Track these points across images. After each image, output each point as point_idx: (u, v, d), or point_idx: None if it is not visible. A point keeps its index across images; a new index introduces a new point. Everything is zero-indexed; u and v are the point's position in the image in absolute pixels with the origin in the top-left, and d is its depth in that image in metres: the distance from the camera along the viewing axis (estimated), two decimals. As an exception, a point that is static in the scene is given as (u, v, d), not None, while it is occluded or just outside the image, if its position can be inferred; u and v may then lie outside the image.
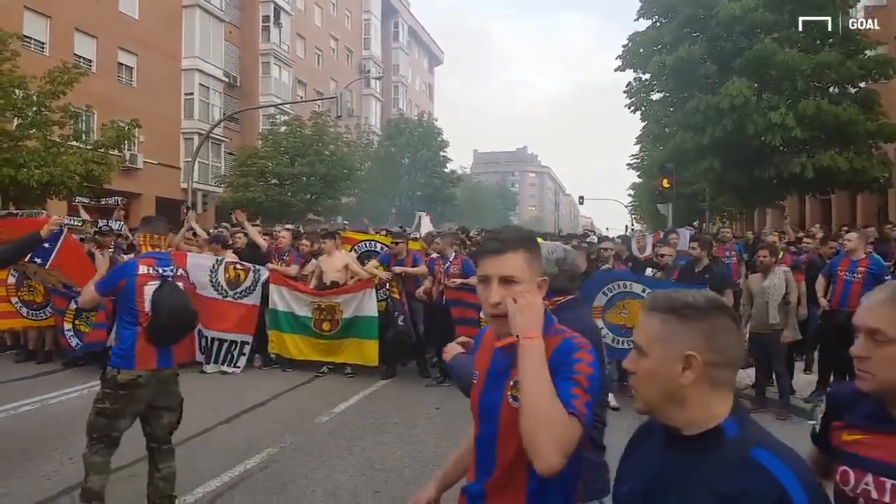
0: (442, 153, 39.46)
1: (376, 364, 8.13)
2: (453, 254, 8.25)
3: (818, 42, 16.48)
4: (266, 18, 36.26)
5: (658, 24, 18.70)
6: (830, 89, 17.07)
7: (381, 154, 39.04)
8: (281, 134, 27.72)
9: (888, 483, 1.46)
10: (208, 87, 31.57)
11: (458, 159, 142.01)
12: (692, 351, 1.26)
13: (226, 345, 8.16)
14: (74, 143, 16.45)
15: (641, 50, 18.59)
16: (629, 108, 19.08)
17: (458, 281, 7.72)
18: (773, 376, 7.01)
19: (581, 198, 60.54)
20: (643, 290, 7.14)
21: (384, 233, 10.54)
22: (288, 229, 9.59)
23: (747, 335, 7.25)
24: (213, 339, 8.22)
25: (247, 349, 8.25)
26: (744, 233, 19.27)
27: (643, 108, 19.18)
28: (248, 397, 7.01)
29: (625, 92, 19.23)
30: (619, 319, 7.25)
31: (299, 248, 8.76)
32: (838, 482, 1.57)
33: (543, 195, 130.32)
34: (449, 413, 6.56)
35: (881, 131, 16.84)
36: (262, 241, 8.83)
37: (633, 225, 50.09)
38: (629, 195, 47.71)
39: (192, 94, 30.70)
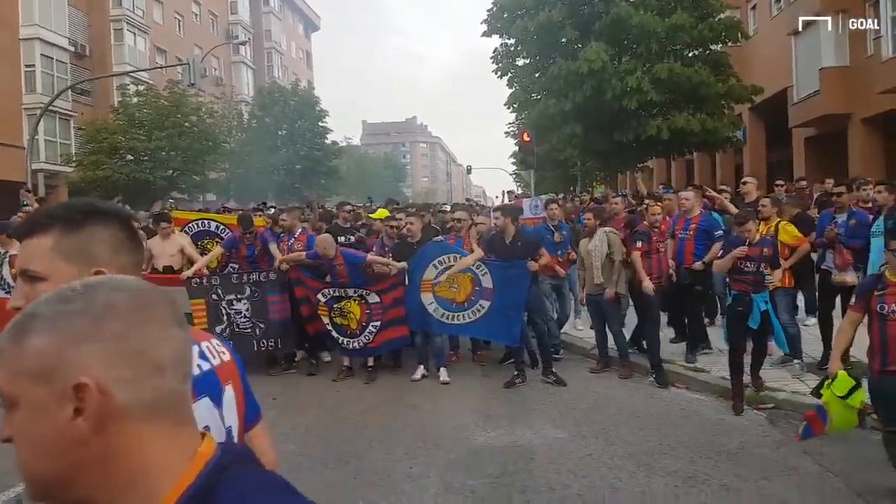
0: (321, 123, 38.15)
1: None
2: (300, 230, 7.75)
3: (672, 5, 16.95)
4: (116, -20, 33.29)
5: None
6: (684, 53, 17.70)
7: (254, 125, 37.17)
8: (134, 105, 25.57)
9: None
10: (52, 58, 28.64)
11: (347, 131, 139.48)
12: (85, 377, 0.72)
13: None
14: None
15: (505, 14, 18.48)
16: (496, 73, 19.01)
17: (285, 257, 7.31)
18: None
19: (469, 167, 61.04)
20: (474, 264, 6.95)
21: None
22: None
23: (583, 298, 7.29)
24: None
25: None
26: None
27: (510, 74, 19.17)
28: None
29: (491, 58, 19.14)
30: (449, 294, 7.07)
31: None
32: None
33: (435, 166, 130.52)
34: (284, 405, 6.16)
35: (731, 93, 17.72)
36: None
37: (517, 192, 50.96)
38: (512, 163, 48.47)
39: (33, 65, 27.74)
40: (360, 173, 56.02)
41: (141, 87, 27.31)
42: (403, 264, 6.98)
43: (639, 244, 6.72)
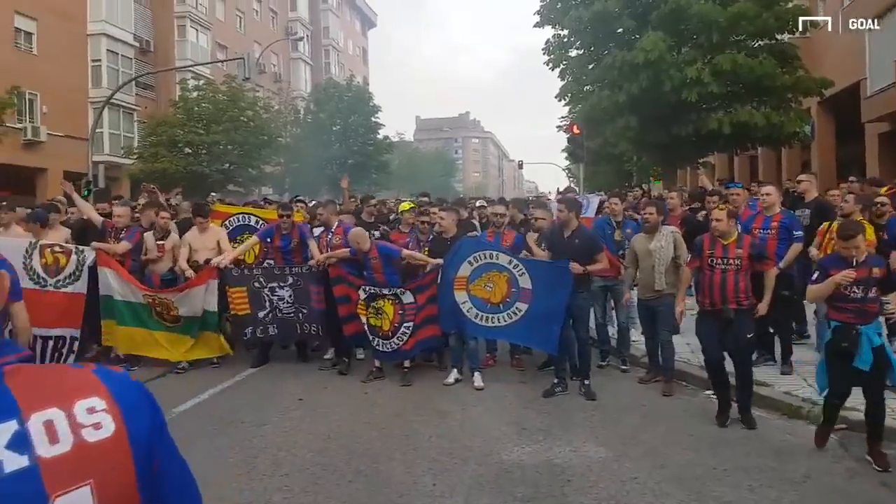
0: (374, 118, 38.27)
1: (231, 352, 7.37)
2: (336, 223, 7.53)
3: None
4: (180, -22, 34.09)
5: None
6: (748, 43, 16.76)
7: (309, 120, 37.56)
8: (193, 100, 26.12)
9: None
10: (117, 53, 29.57)
11: (402, 126, 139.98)
12: None
13: (51, 343, 6.93)
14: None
15: (559, 5, 17.90)
16: (547, 64, 18.44)
17: (324, 256, 7.12)
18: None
19: (520, 162, 60.28)
20: (510, 262, 6.54)
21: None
22: (127, 205, 8.39)
23: (635, 300, 6.78)
24: (34, 337, 6.98)
25: (76, 345, 7.10)
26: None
27: (562, 66, 18.57)
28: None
29: (543, 49, 18.56)
30: (484, 293, 6.60)
31: (158, 222, 7.62)
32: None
33: (487, 161, 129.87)
34: (309, 406, 5.94)
35: (798, 85, 16.69)
36: (97, 217, 7.83)
37: (572, 188, 50.01)
38: (565, 158, 47.55)
39: (99, 60, 28.69)
40: (411, 168, 55.98)
41: (200, 83, 27.89)
42: (439, 261, 6.68)
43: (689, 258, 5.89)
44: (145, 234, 7.58)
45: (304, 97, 41.83)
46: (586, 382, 6.22)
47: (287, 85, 42.97)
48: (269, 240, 7.58)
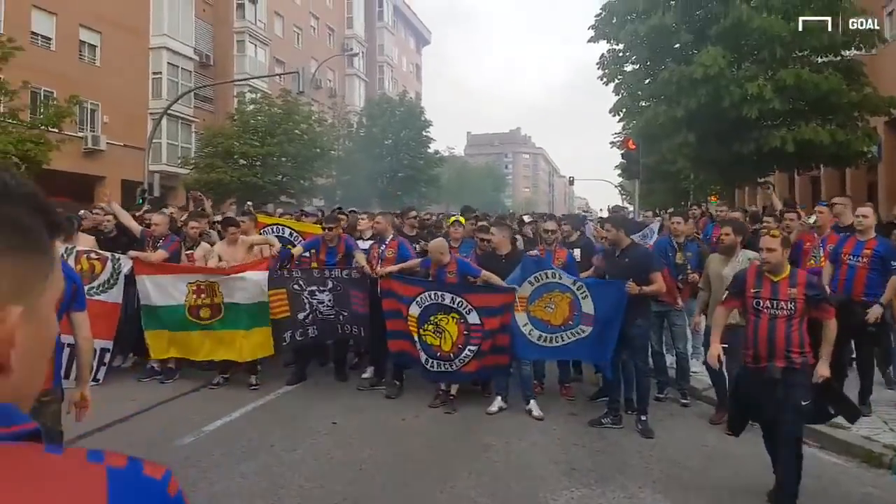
0: (425, 133, 38.39)
1: (272, 353, 7.10)
2: (391, 236, 7.26)
3: (799, 7, 15.35)
4: (241, -5, 34.95)
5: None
6: (812, 58, 16.00)
7: (362, 134, 37.94)
8: (249, 112, 26.61)
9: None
10: (177, 66, 30.42)
11: (453, 141, 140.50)
12: None
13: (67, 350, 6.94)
14: (11, 122, 15.41)
15: (614, 19, 17.49)
16: (601, 80, 18.02)
17: (390, 269, 6.75)
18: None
19: (571, 178, 59.59)
20: (574, 283, 6.17)
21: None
22: (164, 213, 8.28)
23: (703, 327, 6.28)
24: (62, 345, 6.93)
25: (107, 357, 6.96)
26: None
27: (617, 80, 18.11)
28: (111, 411, 5.97)
29: (597, 64, 18.16)
30: (545, 315, 6.23)
31: (187, 232, 7.54)
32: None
33: (538, 177, 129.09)
34: (343, 431, 5.65)
35: (865, 103, 15.83)
36: (136, 226, 7.77)
37: (623, 205, 49.01)
38: (618, 175, 46.65)
39: (160, 73, 29.56)
40: (461, 182, 55.90)
41: (257, 96, 28.43)
42: (515, 287, 6.25)
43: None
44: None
45: (357, 112, 42.21)
46: (643, 418, 5.76)
47: (342, 100, 43.54)
48: (314, 251, 7.42)
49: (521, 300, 6.25)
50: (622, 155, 15.15)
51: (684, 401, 6.65)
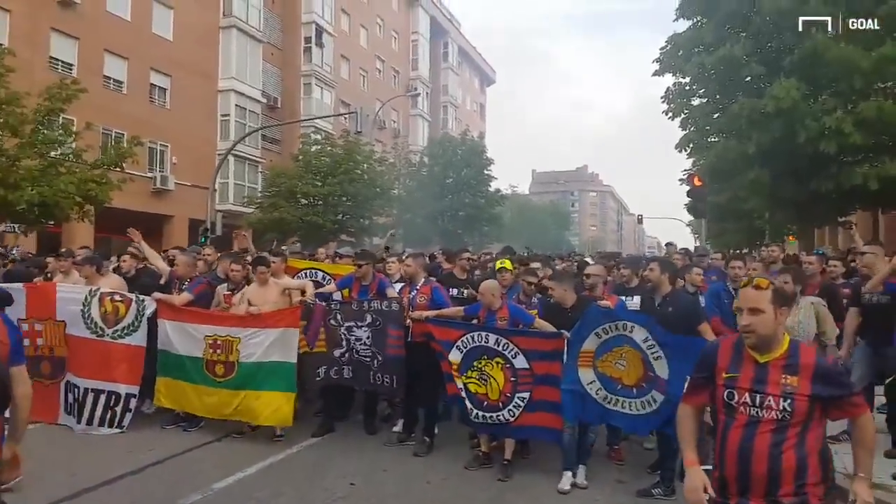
0: (486, 171, 38.23)
1: (290, 424, 6.53)
2: (422, 280, 6.71)
3: (880, 36, 14.29)
4: (308, 40, 36.11)
5: (699, 23, 16.87)
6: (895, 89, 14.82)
7: (424, 173, 38.10)
8: (311, 153, 27.10)
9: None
10: (245, 109, 31.43)
11: (516, 180, 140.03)
12: None
13: (103, 398, 6.61)
14: (75, 162, 16.00)
15: (681, 52, 16.83)
16: (667, 114, 17.27)
17: (426, 313, 6.23)
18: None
19: (640, 217, 58.11)
20: (645, 341, 5.20)
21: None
22: (189, 253, 7.88)
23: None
24: (86, 390, 6.68)
25: (133, 403, 6.70)
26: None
27: (683, 115, 17.32)
28: (126, 461, 5.68)
29: (662, 98, 17.45)
30: (615, 372, 5.37)
31: (228, 275, 7.20)
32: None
33: (605, 215, 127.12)
34: (360, 494, 5.15)
35: (955, 136, 14.48)
36: (163, 266, 7.55)
37: (696, 244, 47.22)
38: (689, 212, 45.03)
39: (228, 115, 30.59)
40: (523, 221, 55.33)
41: (321, 137, 28.96)
42: (563, 332, 5.50)
43: None
44: (220, 286, 7.23)
45: (418, 151, 42.51)
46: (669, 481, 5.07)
47: (405, 139, 44.07)
48: (347, 289, 7.03)
49: (587, 355, 5.39)
50: (688, 192, 14.30)
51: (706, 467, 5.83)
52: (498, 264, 6.80)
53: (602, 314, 5.44)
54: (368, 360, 6.55)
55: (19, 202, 14.03)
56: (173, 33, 27.81)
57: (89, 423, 6.70)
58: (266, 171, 30.93)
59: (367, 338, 6.51)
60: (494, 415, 5.69)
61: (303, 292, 6.77)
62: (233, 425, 6.75)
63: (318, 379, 6.70)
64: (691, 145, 17.74)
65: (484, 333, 5.73)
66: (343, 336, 6.60)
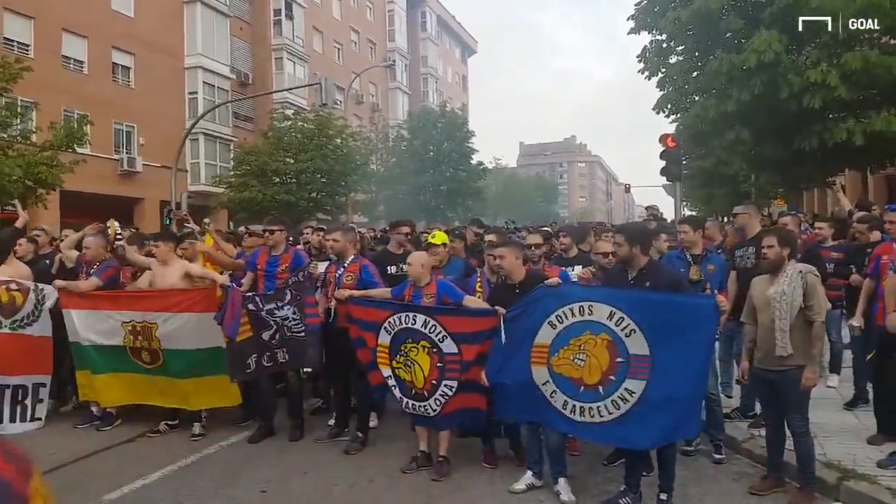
0: (467, 144, 37.32)
1: (239, 402, 6.05)
2: (351, 257, 5.88)
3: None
4: (277, 12, 34.84)
5: (674, -24, 16.00)
6: (883, 39, 14.04)
7: (403, 148, 37.15)
8: (282, 129, 26.13)
9: None
10: (214, 86, 30.30)
11: (502, 152, 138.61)
12: None
13: (8, 393, 5.98)
14: (25, 144, 15.10)
15: (657, 8, 15.94)
16: (643, 73, 16.42)
17: (349, 292, 5.45)
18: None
19: (627, 186, 57.60)
20: (610, 316, 4.26)
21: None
22: (97, 235, 7.10)
23: (746, 369, 4.79)
24: None
25: (43, 393, 6.11)
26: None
27: (661, 74, 16.45)
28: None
29: (638, 57, 16.58)
30: (574, 371, 4.37)
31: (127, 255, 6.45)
32: None
33: (594, 185, 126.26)
34: (269, 502, 4.48)
35: (947, 88, 13.76)
36: (72, 255, 6.80)
37: (683, 212, 46.61)
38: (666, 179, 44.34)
39: (195, 93, 29.47)
40: (508, 194, 54.51)
41: (290, 112, 27.97)
42: (500, 310, 4.70)
43: None
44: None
45: (401, 125, 41.48)
46: (662, 498, 4.28)
47: (385, 114, 42.99)
48: (254, 264, 6.23)
49: (540, 350, 4.49)
50: (661, 154, 13.44)
51: (718, 455, 5.17)
52: (429, 238, 6.00)
53: (552, 296, 4.53)
54: (303, 335, 5.77)
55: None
56: (134, 10, 26.59)
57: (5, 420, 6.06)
58: (238, 150, 29.97)
59: (294, 314, 5.76)
60: (420, 404, 5.01)
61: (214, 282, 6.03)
62: (152, 423, 6.06)
63: (248, 371, 5.91)
64: (669, 105, 16.92)
65: (412, 314, 5.00)
66: (267, 317, 5.84)
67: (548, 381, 4.46)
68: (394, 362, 5.11)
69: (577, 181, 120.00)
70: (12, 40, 21.55)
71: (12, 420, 6.05)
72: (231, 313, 5.85)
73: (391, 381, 5.14)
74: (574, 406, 4.37)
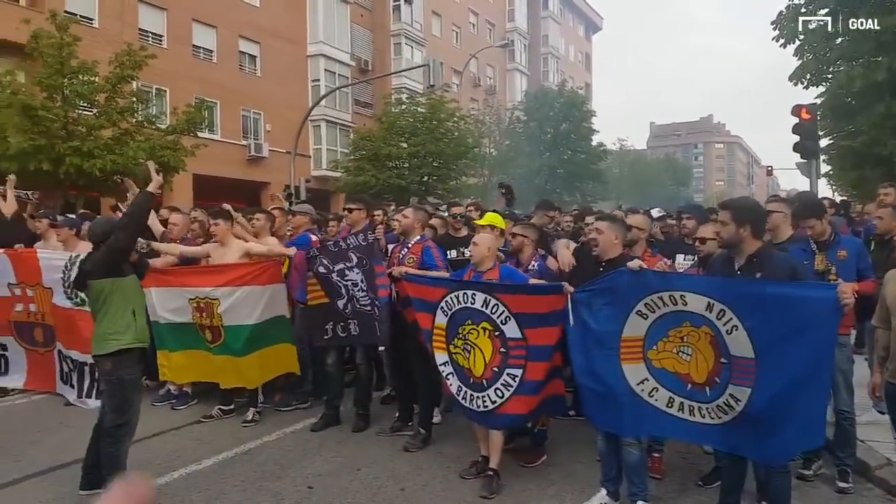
0: (586, 124, 35.90)
1: (296, 371, 5.95)
2: (417, 237, 5.48)
3: None
4: (396, -2, 35.14)
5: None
6: None
7: (519, 130, 36.36)
8: (395, 114, 26.35)
9: None
10: (335, 73, 31.08)
11: (631, 133, 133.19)
12: None
13: (87, 369, 6.12)
14: (150, 129, 16.11)
15: (795, -33, 14.30)
16: (777, 41, 14.75)
17: (406, 269, 5.12)
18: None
19: (769, 168, 53.05)
20: (709, 308, 3.55)
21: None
22: (184, 212, 7.28)
23: (882, 385, 3.91)
24: (75, 362, 6.27)
25: None
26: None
27: (798, 40, 14.70)
28: (80, 448, 5.12)
29: (773, 23, 14.92)
30: (679, 365, 3.72)
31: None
32: None
33: (734, 168, 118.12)
34: (313, 501, 4.23)
35: None
36: (158, 227, 6.88)
37: (834, 196, 42.27)
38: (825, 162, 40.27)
39: (318, 80, 30.37)
40: (634, 177, 52.01)
41: (404, 96, 28.14)
42: (565, 285, 4.13)
43: None
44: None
45: (513, 107, 40.69)
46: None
47: (503, 96, 42.32)
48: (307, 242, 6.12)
49: (632, 345, 3.84)
50: (793, 128, 11.77)
51: (843, 483, 4.33)
52: (480, 221, 5.46)
53: (634, 282, 3.81)
54: (368, 308, 5.46)
55: (93, 170, 14.25)
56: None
57: (84, 394, 6.31)
58: (355, 135, 30.63)
59: (361, 281, 5.45)
60: (478, 396, 4.50)
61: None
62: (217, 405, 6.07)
63: (326, 337, 5.70)
64: (808, 76, 15.10)
65: (470, 293, 4.50)
66: (339, 283, 5.56)
67: (646, 379, 3.81)
68: (451, 346, 4.64)
69: (714, 163, 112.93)
70: (147, 31, 23.14)
71: (88, 395, 6.22)
72: (297, 276, 5.74)
73: (447, 369, 4.69)
74: (682, 403, 3.72)
